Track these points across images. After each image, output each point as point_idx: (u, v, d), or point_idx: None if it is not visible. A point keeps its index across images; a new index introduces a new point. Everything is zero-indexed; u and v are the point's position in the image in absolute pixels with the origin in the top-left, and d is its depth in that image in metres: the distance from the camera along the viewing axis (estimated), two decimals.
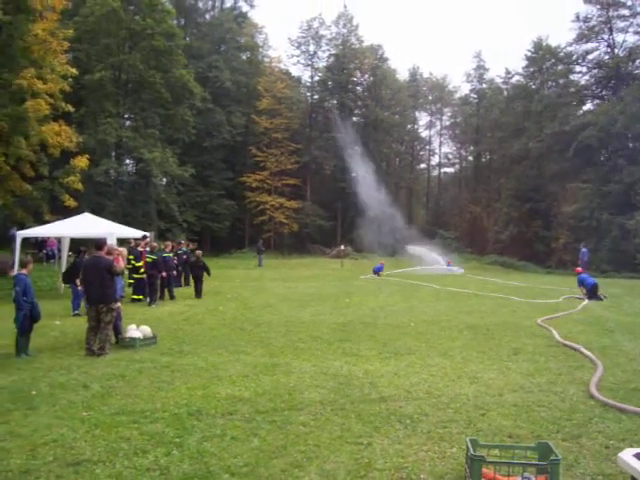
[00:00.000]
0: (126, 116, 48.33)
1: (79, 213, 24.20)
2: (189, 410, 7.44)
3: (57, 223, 23.44)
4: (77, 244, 27.54)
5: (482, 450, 5.41)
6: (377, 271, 33.51)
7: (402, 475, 5.51)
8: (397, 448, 6.22)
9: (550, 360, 10.63)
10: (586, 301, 20.28)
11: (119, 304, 11.96)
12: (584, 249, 32.49)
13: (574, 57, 53.98)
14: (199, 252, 23.51)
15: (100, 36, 43.48)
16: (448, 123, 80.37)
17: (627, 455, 3.24)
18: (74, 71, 29.36)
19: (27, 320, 11.01)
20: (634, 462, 3.14)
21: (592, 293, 21.13)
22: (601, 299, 20.85)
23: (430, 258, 42.99)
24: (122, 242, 21.53)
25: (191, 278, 23.51)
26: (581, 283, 21.86)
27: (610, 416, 7.29)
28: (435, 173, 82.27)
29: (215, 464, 5.71)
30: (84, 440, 6.40)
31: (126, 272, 18.73)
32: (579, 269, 23.69)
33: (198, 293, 21.71)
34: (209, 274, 22.64)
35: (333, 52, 63.62)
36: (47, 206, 31.16)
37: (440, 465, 5.78)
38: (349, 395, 8.20)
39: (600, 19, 50.52)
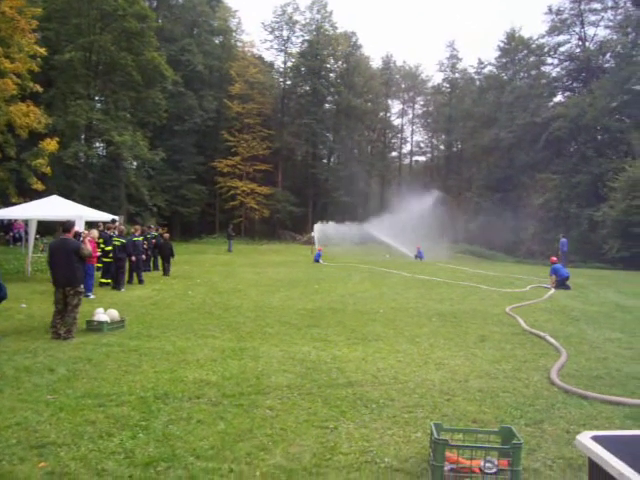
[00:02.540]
0: (96, 98, 47.61)
1: (47, 196, 23.86)
2: (155, 393, 7.41)
3: (24, 205, 23.11)
4: (45, 227, 27.35)
5: (446, 434, 5.48)
6: (317, 259, 33.60)
7: (367, 458, 5.56)
8: (363, 432, 6.27)
9: (516, 347, 10.78)
10: (552, 290, 20.56)
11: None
12: (563, 239, 32.61)
13: (546, 49, 54.54)
14: (167, 235, 25.54)
15: (70, 16, 42.67)
16: (420, 112, 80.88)
17: (584, 437, 3.31)
18: (43, 51, 28.84)
19: None
20: (590, 444, 3.20)
21: (561, 284, 21.39)
22: (569, 288, 21.13)
23: (395, 246, 43.29)
24: (91, 225, 21.32)
25: (160, 259, 24.96)
26: (554, 272, 21.94)
27: (572, 402, 7.42)
28: (407, 161, 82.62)
29: (181, 447, 5.71)
30: (49, 423, 6.34)
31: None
32: (554, 258, 23.71)
33: (166, 271, 23.74)
34: (173, 256, 24.17)
35: (307, 38, 63.40)
36: (14, 188, 30.69)
37: (405, 449, 5.84)
38: (316, 380, 8.23)
39: (572, 12, 51.09)
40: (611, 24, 49.57)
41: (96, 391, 7.51)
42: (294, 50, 64.66)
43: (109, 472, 5.13)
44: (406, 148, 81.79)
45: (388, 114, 78.08)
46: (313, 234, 46.24)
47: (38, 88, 28.77)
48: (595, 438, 3.25)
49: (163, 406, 6.97)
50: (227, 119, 59.05)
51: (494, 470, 5.05)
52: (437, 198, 53.21)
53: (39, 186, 29.72)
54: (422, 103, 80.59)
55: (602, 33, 51.35)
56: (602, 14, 49.99)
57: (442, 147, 78.36)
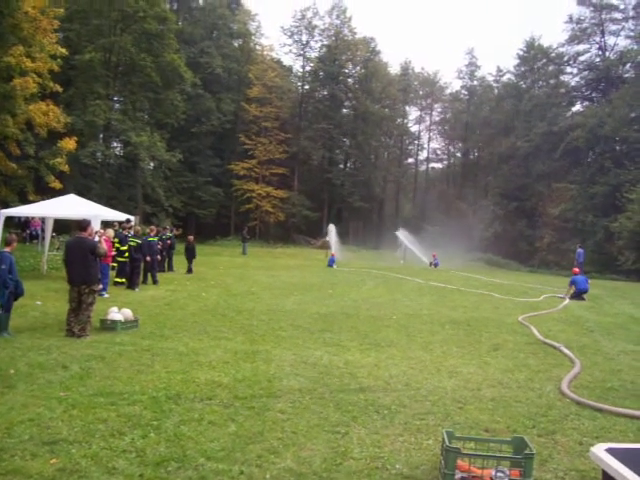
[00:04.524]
0: (115, 99, 47.90)
1: (64, 194, 24.00)
2: (168, 394, 7.42)
3: (41, 203, 23.24)
4: (62, 225, 27.51)
5: (458, 442, 5.44)
6: (330, 263, 33.41)
7: (378, 465, 5.53)
8: (374, 438, 6.25)
9: (529, 357, 10.71)
10: (567, 301, 20.40)
11: (100, 286, 11.87)
12: (580, 249, 32.31)
13: (565, 58, 54.41)
14: (191, 237, 27.04)
15: (91, 16, 43.02)
16: (438, 119, 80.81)
17: (599, 449, 3.28)
18: (64, 51, 29.11)
19: (12, 298, 10.93)
20: (605, 456, 3.17)
21: (577, 295, 21.17)
22: (583, 299, 20.94)
23: (411, 251, 43.38)
24: (107, 225, 21.42)
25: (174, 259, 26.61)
26: (573, 283, 21.65)
27: (585, 414, 7.35)
28: (423, 168, 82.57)
29: (191, 448, 5.71)
30: (61, 420, 6.36)
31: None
32: (576, 270, 23.37)
33: (189, 270, 25.28)
34: (194, 257, 25.72)
35: (325, 43, 63.50)
36: (32, 186, 30.96)
37: (416, 456, 5.81)
38: (328, 384, 8.21)
39: (593, 21, 50.92)
40: (632, 34, 49.38)
41: (108, 389, 7.54)
42: (313, 55, 64.77)
43: (120, 470, 5.14)
44: (423, 155, 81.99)
45: (405, 120, 77.95)
46: (327, 238, 46.30)
47: (58, 88, 29.05)
48: (610, 450, 3.22)
49: (175, 406, 6.98)
50: (244, 122, 59.14)
51: None
52: (453, 207, 53.31)
53: (57, 184, 29.96)
54: (440, 110, 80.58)
55: (623, 43, 51.09)
56: (623, 24, 49.88)
57: (459, 154, 78.33)
